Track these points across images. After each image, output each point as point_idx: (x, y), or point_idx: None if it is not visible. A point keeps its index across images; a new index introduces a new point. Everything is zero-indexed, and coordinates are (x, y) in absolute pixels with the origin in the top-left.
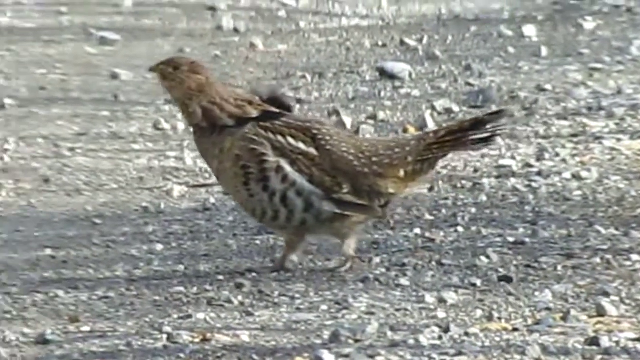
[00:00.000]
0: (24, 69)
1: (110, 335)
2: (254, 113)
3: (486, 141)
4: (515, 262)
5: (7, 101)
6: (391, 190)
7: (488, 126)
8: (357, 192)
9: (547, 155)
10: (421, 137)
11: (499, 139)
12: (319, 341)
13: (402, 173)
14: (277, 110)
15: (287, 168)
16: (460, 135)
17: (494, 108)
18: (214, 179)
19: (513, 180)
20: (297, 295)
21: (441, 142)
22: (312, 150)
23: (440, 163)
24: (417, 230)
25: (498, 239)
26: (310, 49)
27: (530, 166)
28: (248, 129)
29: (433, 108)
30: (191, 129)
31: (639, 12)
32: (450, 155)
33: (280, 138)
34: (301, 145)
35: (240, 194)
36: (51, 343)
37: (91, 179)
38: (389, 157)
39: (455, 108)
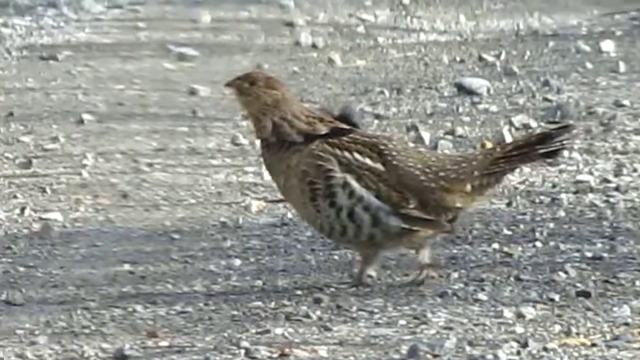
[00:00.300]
0: (102, 84)
1: (188, 351)
2: (324, 130)
3: (553, 155)
4: (593, 277)
5: (86, 117)
6: (458, 205)
7: (555, 140)
8: (424, 207)
9: (624, 171)
10: (488, 151)
11: (567, 153)
12: (397, 356)
13: (468, 187)
14: (347, 127)
15: (354, 184)
16: (527, 150)
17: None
18: None
19: (591, 195)
20: (376, 310)
21: (508, 156)
22: (379, 166)
23: (518, 178)
24: (495, 245)
25: (576, 254)
26: (388, 65)
27: (608, 182)
28: (315, 145)
29: (511, 123)
30: (260, 143)
31: None
32: (528, 170)
33: (346, 154)
34: (368, 161)
35: (307, 210)
36: (129, 358)
37: (169, 194)
38: (456, 171)
39: (533, 124)
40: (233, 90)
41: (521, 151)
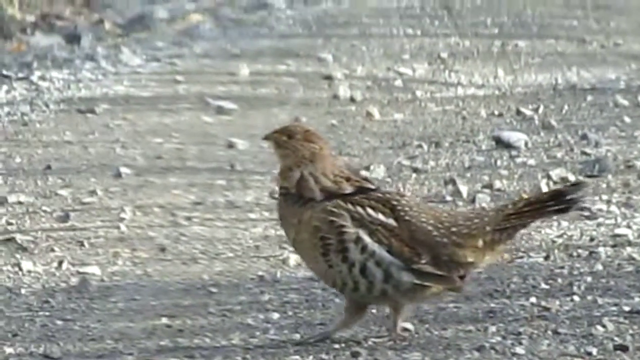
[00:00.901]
0: (140, 138)
1: None
2: (349, 189)
3: (565, 211)
4: (631, 331)
5: (124, 170)
6: (470, 260)
7: (567, 198)
8: (436, 262)
9: None
10: (500, 207)
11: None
12: None
13: (480, 243)
14: (373, 186)
15: (366, 239)
16: (538, 207)
17: (609, 177)
18: None
19: (629, 249)
20: None
21: (520, 212)
22: (391, 221)
23: (556, 232)
24: (533, 299)
25: (614, 308)
26: (426, 118)
27: None
28: (330, 202)
29: (549, 177)
30: (278, 191)
31: None
32: (565, 224)
33: (359, 209)
34: (380, 217)
35: (319, 265)
36: None
37: (207, 248)
38: (468, 227)
39: (571, 177)
40: (271, 143)
41: (533, 207)
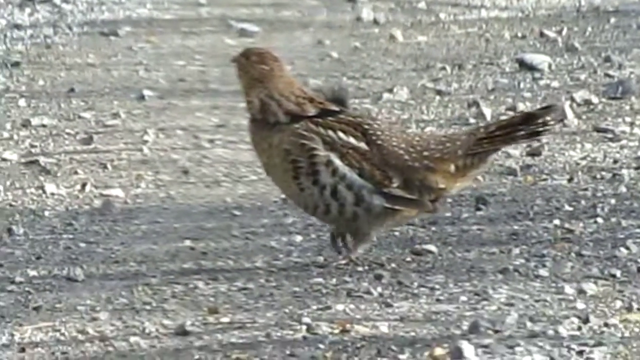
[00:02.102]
0: (163, 60)
1: (249, 327)
2: (312, 111)
3: (536, 135)
4: None
5: (147, 93)
6: (441, 185)
7: (538, 121)
8: (407, 186)
9: None
10: (471, 131)
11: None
12: (458, 332)
13: (452, 167)
14: (337, 109)
15: (337, 162)
16: (510, 130)
17: (633, 99)
18: None
19: None
20: (437, 287)
21: (491, 136)
22: (363, 145)
23: (579, 154)
24: (557, 221)
25: (638, 230)
26: (449, 41)
27: None
28: (299, 124)
29: (572, 99)
30: (248, 119)
31: None
32: (589, 146)
33: (330, 132)
34: (352, 140)
35: (291, 188)
36: (190, 334)
37: (230, 171)
38: (440, 151)
39: (595, 99)
40: (235, 65)
41: (504, 131)
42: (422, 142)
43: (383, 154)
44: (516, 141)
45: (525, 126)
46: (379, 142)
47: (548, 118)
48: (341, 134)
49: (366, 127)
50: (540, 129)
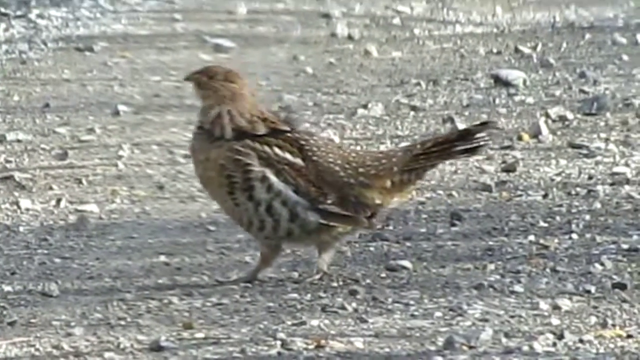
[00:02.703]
0: (138, 76)
1: (224, 342)
2: (262, 130)
3: (472, 152)
4: (629, 269)
5: (122, 108)
6: (377, 201)
7: (475, 137)
8: (342, 202)
9: None
10: (408, 148)
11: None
12: (433, 348)
13: (388, 183)
14: (287, 129)
15: (272, 178)
16: (446, 146)
17: (608, 115)
18: None
19: (627, 187)
20: (411, 302)
21: (428, 152)
22: (299, 161)
23: (554, 170)
24: (532, 237)
25: (612, 246)
26: (424, 56)
27: None
28: (238, 141)
29: (547, 115)
30: (195, 127)
31: None
32: (564, 162)
33: (266, 148)
34: (287, 156)
35: (226, 203)
36: (165, 350)
37: None
38: (375, 167)
39: (570, 115)
40: (193, 84)
41: (440, 147)
42: (358, 159)
43: (319, 170)
44: (452, 157)
45: (461, 142)
46: (315, 158)
47: (484, 134)
48: (277, 150)
49: (302, 143)
50: (477, 144)
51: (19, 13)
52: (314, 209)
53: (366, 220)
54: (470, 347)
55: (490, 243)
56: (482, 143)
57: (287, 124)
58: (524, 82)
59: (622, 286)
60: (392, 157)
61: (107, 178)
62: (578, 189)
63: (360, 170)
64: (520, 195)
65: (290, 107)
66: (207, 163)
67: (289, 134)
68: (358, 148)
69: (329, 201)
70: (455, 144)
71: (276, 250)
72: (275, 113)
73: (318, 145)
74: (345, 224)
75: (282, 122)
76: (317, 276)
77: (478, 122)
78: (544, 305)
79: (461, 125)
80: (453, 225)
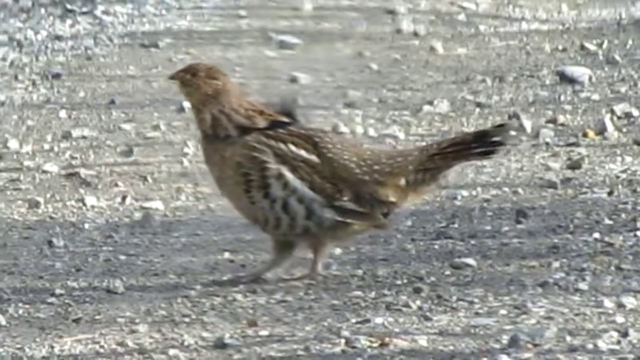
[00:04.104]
0: None
1: (288, 340)
2: (262, 124)
3: (489, 154)
4: None
5: (187, 105)
6: (392, 199)
7: (491, 139)
8: (358, 200)
9: None
10: (424, 147)
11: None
12: (497, 346)
13: (403, 182)
14: (287, 120)
15: (288, 175)
16: (462, 147)
17: None
18: None
19: None
20: (476, 300)
21: (443, 153)
22: (314, 158)
23: (619, 167)
24: (597, 235)
25: None
26: (490, 53)
27: None
28: (250, 137)
29: (612, 112)
30: (199, 134)
31: None
32: (629, 159)
33: (282, 145)
34: (303, 153)
35: (241, 201)
36: (229, 347)
37: None
38: (390, 165)
39: (635, 112)
40: (176, 82)
41: (457, 148)
42: (373, 156)
43: (334, 167)
44: (468, 159)
45: (478, 144)
46: (330, 155)
47: (501, 136)
48: (292, 147)
49: (317, 140)
50: (493, 147)
51: (84, 9)
52: (330, 206)
53: (381, 217)
54: (535, 345)
55: (555, 240)
56: (498, 146)
57: (286, 115)
58: (590, 78)
59: None
60: (408, 155)
61: (172, 175)
62: None
63: (376, 167)
64: (585, 193)
65: (287, 98)
66: (223, 163)
67: (302, 130)
68: (373, 146)
69: (345, 198)
70: (471, 145)
71: (288, 250)
72: (268, 104)
73: (333, 142)
74: (361, 221)
75: (279, 114)
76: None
77: (495, 124)
78: (608, 303)
79: (526, 122)
80: (518, 222)
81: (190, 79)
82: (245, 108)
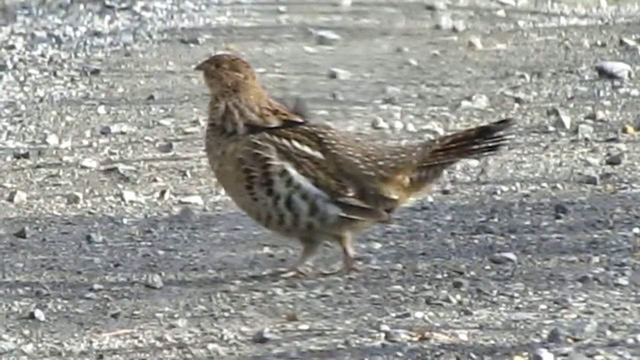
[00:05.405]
0: None
1: (328, 334)
2: (275, 123)
3: (492, 150)
4: None
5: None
6: (394, 196)
7: (494, 135)
8: (362, 195)
9: None
10: (427, 143)
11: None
12: (537, 340)
13: (406, 178)
14: (300, 120)
15: (292, 171)
16: (465, 143)
17: None
18: None
19: None
20: (516, 295)
21: (447, 149)
22: (318, 154)
23: None
24: (636, 230)
25: None
26: (528, 48)
27: None
28: (255, 135)
29: None
30: (207, 123)
31: None
32: None
33: (285, 142)
34: (306, 149)
35: (243, 198)
36: (269, 341)
37: None
38: (394, 161)
39: None
40: (202, 72)
41: (459, 144)
42: (377, 152)
43: (338, 162)
44: (471, 155)
45: (480, 139)
46: (334, 151)
47: (504, 132)
48: (296, 143)
49: (321, 136)
50: (496, 143)
51: (123, 5)
52: (334, 202)
53: (385, 213)
54: (575, 340)
55: (595, 236)
56: (501, 141)
57: (298, 115)
58: (629, 74)
59: None
60: (411, 151)
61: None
62: None
63: (380, 163)
64: (625, 188)
65: (299, 97)
66: (224, 158)
67: (305, 127)
68: (376, 142)
69: (349, 194)
70: (474, 141)
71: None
72: (283, 103)
73: (336, 138)
74: (365, 217)
75: (293, 113)
76: (291, 273)
77: (498, 120)
78: None
79: (565, 118)
80: (557, 217)
81: (214, 70)
82: (261, 107)
